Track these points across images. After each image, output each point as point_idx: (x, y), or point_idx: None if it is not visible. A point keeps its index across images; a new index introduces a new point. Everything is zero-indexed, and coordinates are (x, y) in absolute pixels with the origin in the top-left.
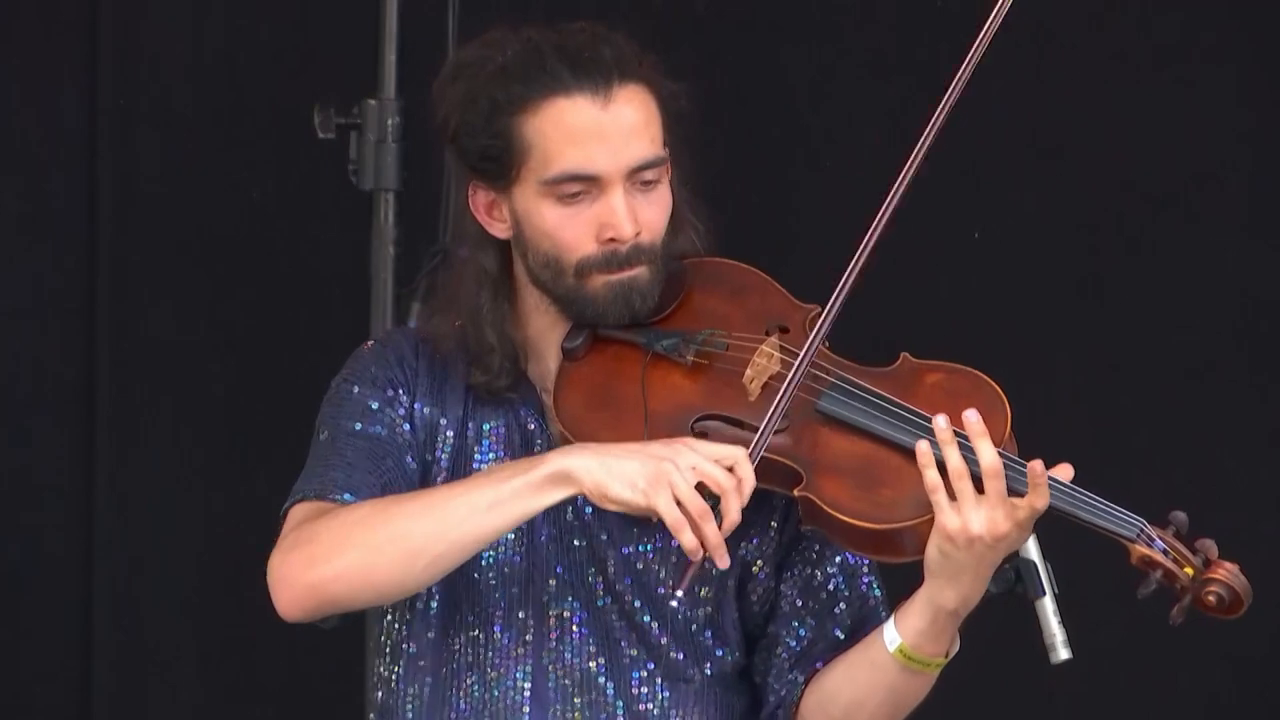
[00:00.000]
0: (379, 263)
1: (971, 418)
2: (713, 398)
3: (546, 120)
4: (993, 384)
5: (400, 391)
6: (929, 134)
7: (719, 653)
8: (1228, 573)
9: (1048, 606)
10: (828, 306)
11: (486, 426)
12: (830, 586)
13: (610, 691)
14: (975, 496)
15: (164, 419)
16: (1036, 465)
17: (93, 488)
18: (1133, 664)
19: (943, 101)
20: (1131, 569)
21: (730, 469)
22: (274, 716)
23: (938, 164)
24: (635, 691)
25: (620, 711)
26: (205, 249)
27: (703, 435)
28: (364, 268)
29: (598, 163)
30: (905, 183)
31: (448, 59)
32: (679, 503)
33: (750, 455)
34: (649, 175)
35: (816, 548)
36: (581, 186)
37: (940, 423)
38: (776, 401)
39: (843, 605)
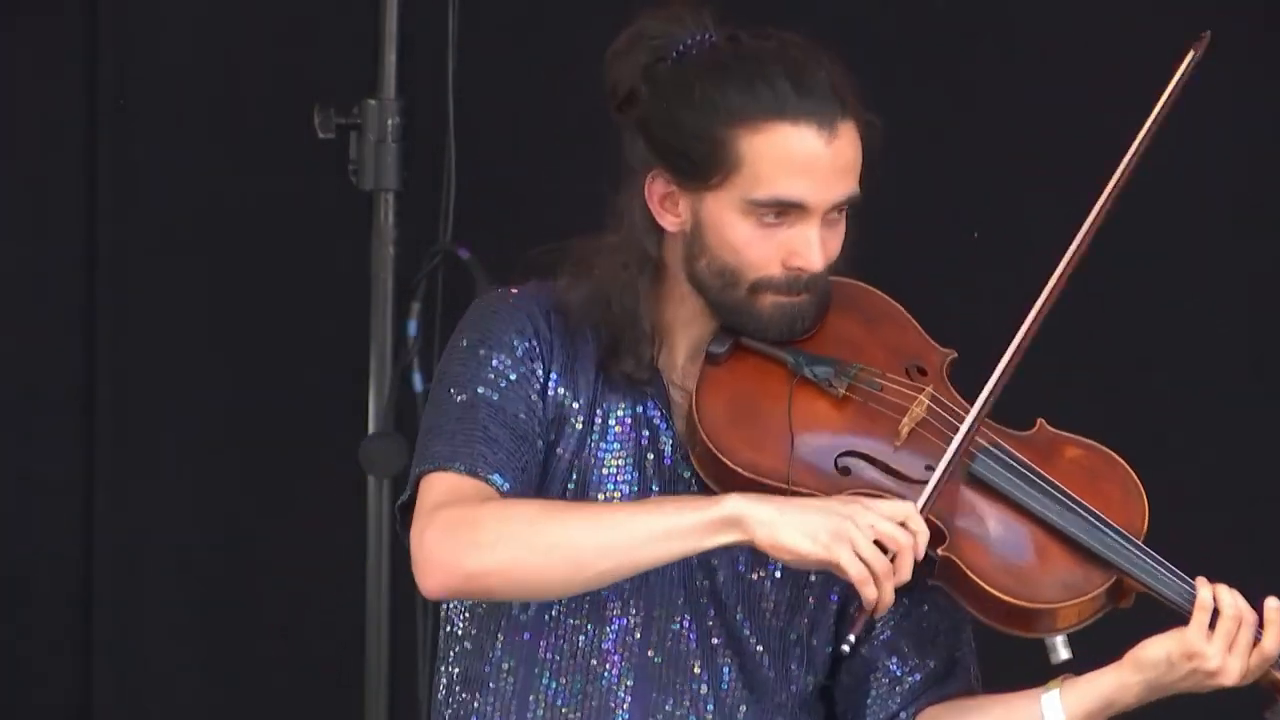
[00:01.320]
0: (379, 263)
1: (1272, 607)
2: (861, 436)
3: (768, 143)
4: (1127, 467)
5: (537, 365)
6: (1103, 206)
7: (806, 674)
8: None
9: None
10: (998, 373)
11: (613, 418)
12: (929, 620)
13: (711, 705)
14: (1232, 640)
15: (164, 419)
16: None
17: (93, 488)
18: None
19: (1120, 170)
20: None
21: (903, 524)
22: (274, 716)
23: (938, 164)
24: (728, 703)
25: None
26: (205, 249)
27: (845, 471)
28: (364, 268)
29: (809, 196)
30: (1074, 259)
31: (627, 27)
32: (861, 558)
33: (921, 511)
34: (840, 210)
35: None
36: (785, 213)
37: (1223, 596)
38: (946, 462)
39: (940, 639)
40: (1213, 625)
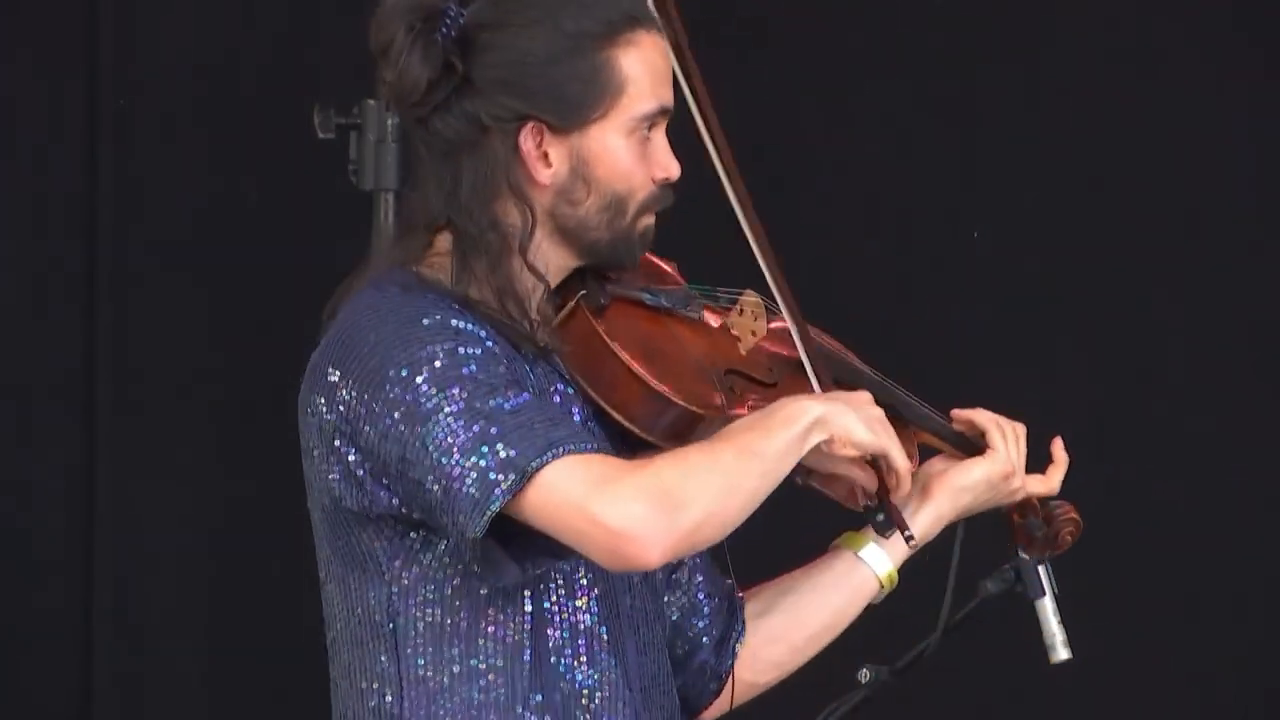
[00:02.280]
0: None
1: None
2: (725, 352)
3: (640, 55)
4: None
5: (503, 358)
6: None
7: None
8: (1071, 511)
9: (1047, 606)
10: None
11: (556, 394)
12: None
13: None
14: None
15: (164, 419)
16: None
17: (93, 487)
18: (1132, 664)
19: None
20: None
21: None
22: (274, 716)
23: (937, 164)
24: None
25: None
26: (205, 249)
27: (730, 390)
28: None
29: (670, 101)
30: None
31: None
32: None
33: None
34: None
35: None
36: (655, 124)
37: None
38: (808, 362)
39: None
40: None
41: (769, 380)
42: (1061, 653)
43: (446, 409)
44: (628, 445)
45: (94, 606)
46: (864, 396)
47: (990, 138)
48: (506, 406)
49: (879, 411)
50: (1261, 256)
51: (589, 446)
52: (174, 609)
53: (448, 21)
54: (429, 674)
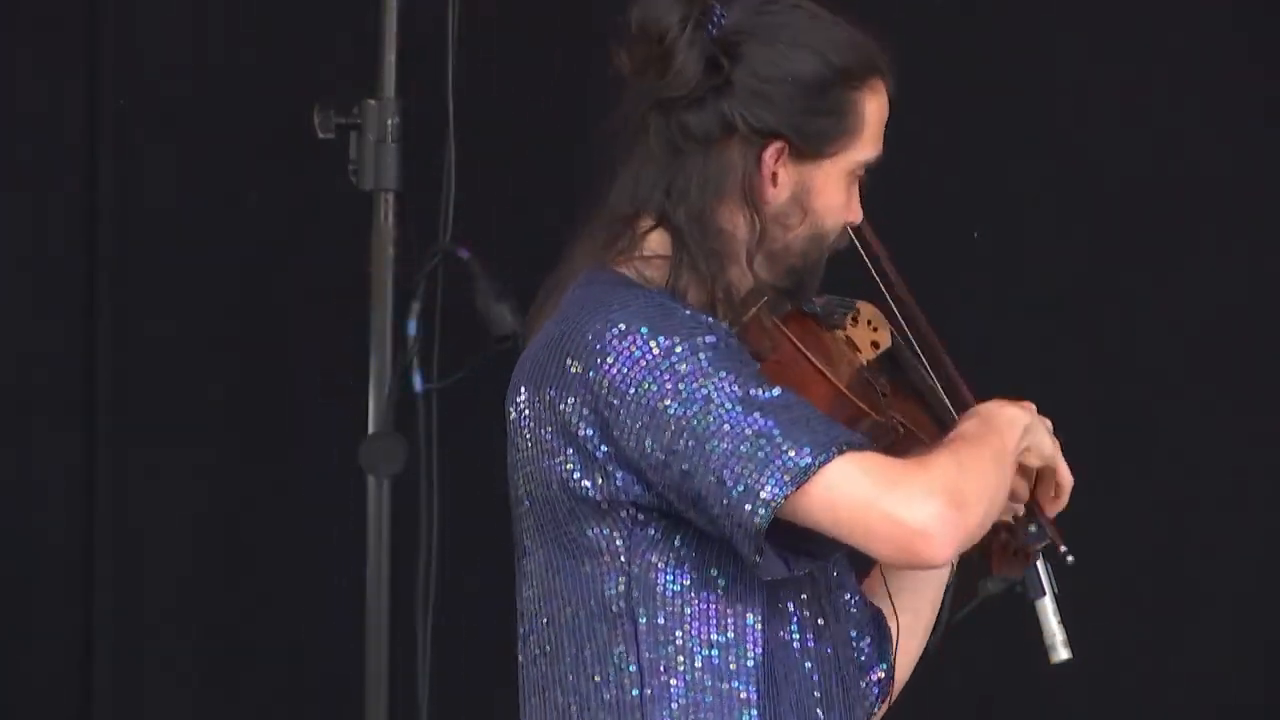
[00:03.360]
0: (379, 263)
1: None
2: (857, 361)
3: (878, 102)
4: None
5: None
6: None
7: None
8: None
9: (1048, 607)
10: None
11: None
12: None
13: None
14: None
15: (164, 419)
16: None
17: (93, 487)
18: (1132, 664)
19: None
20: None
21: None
22: (274, 716)
23: (937, 164)
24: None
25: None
26: (205, 249)
27: (880, 395)
28: (364, 268)
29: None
30: None
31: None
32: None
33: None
34: None
35: None
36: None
37: None
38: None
39: None
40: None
41: (883, 390)
42: (1061, 653)
43: (717, 399)
44: None
45: (94, 606)
46: (1023, 410)
47: (991, 138)
48: (776, 398)
49: (1048, 422)
50: (1263, 257)
51: (864, 443)
52: (174, 609)
53: (714, 19)
54: (670, 663)
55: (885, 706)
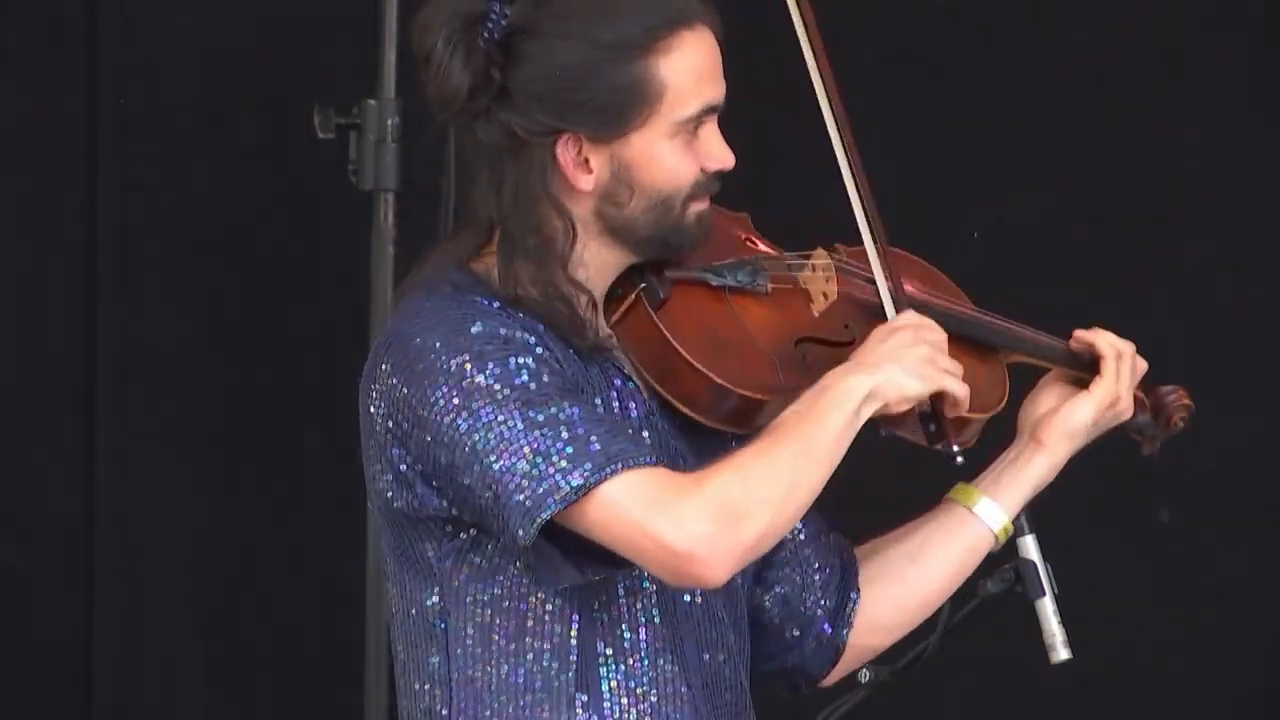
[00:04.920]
0: (379, 263)
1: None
2: (796, 321)
3: (685, 54)
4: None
5: (561, 368)
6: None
7: (752, 592)
8: (1177, 393)
9: (1047, 607)
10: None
11: (614, 389)
12: (819, 529)
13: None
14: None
15: (164, 419)
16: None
17: (93, 488)
18: (1132, 664)
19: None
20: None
21: (934, 329)
22: (274, 716)
23: (937, 165)
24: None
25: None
26: (205, 249)
27: (803, 358)
28: (364, 268)
29: (720, 96)
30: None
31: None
32: (949, 372)
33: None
34: None
35: None
36: (706, 121)
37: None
38: (881, 270)
39: (831, 537)
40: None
41: (844, 339)
42: (1061, 653)
43: (499, 418)
44: (696, 433)
45: (94, 607)
46: (911, 332)
47: (991, 137)
48: (561, 416)
49: (927, 348)
50: (1264, 257)
51: (647, 460)
52: (174, 609)
53: (489, 25)
54: (477, 674)
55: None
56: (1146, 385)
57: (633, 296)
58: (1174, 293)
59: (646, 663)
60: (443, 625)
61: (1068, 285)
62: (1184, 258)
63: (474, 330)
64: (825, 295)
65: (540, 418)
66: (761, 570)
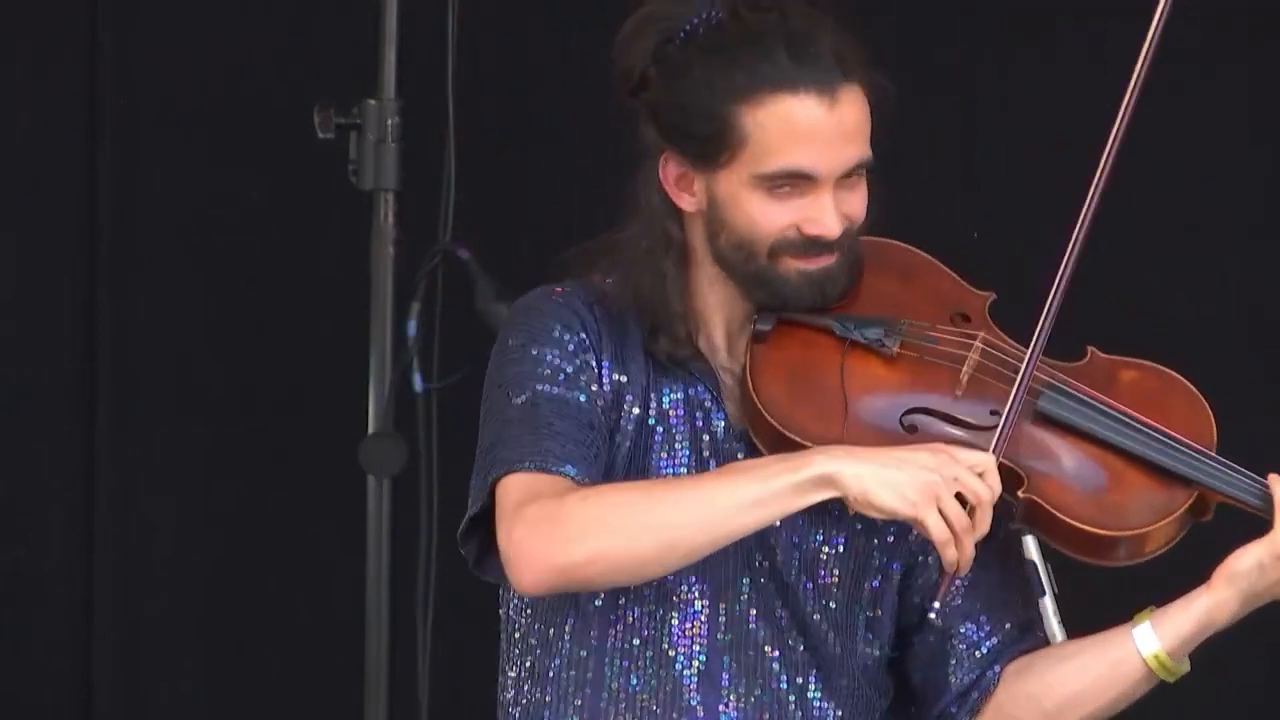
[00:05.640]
0: (379, 263)
1: None
2: (922, 391)
3: (771, 116)
4: (1185, 382)
5: (589, 356)
6: (1117, 135)
7: (872, 647)
8: None
9: (1048, 606)
10: (1046, 309)
11: (667, 400)
12: (1001, 582)
13: (784, 683)
14: None
15: (164, 419)
16: None
17: (93, 487)
18: None
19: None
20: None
21: (981, 475)
22: (274, 716)
23: (937, 165)
24: (799, 681)
25: (791, 701)
26: (205, 249)
27: (912, 429)
28: (364, 268)
29: (818, 165)
30: (1103, 183)
31: (632, 12)
32: (945, 518)
33: (994, 453)
34: (856, 175)
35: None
36: (795, 184)
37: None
38: (1012, 402)
39: (1014, 599)
40: None
41: (978, 423)
42: None
43: (494, 404)
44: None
45: (94, 607)
46: (945, 458)
47: (991, 138)
48: (528, 409)
49: (939, 478)
50: (1264, 257)
51: (546, 466)
52: (174, 609)
53: (679, 34)
54: (521, 671)
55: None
56: None
57: (749, 334)
58: (1175, 292)
59: (645, 682)
60: (509, 622)
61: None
62: (1189, 257)
63: (510, 343)
64: (966, 379)
65: (509, 410)
66: (914, 627)
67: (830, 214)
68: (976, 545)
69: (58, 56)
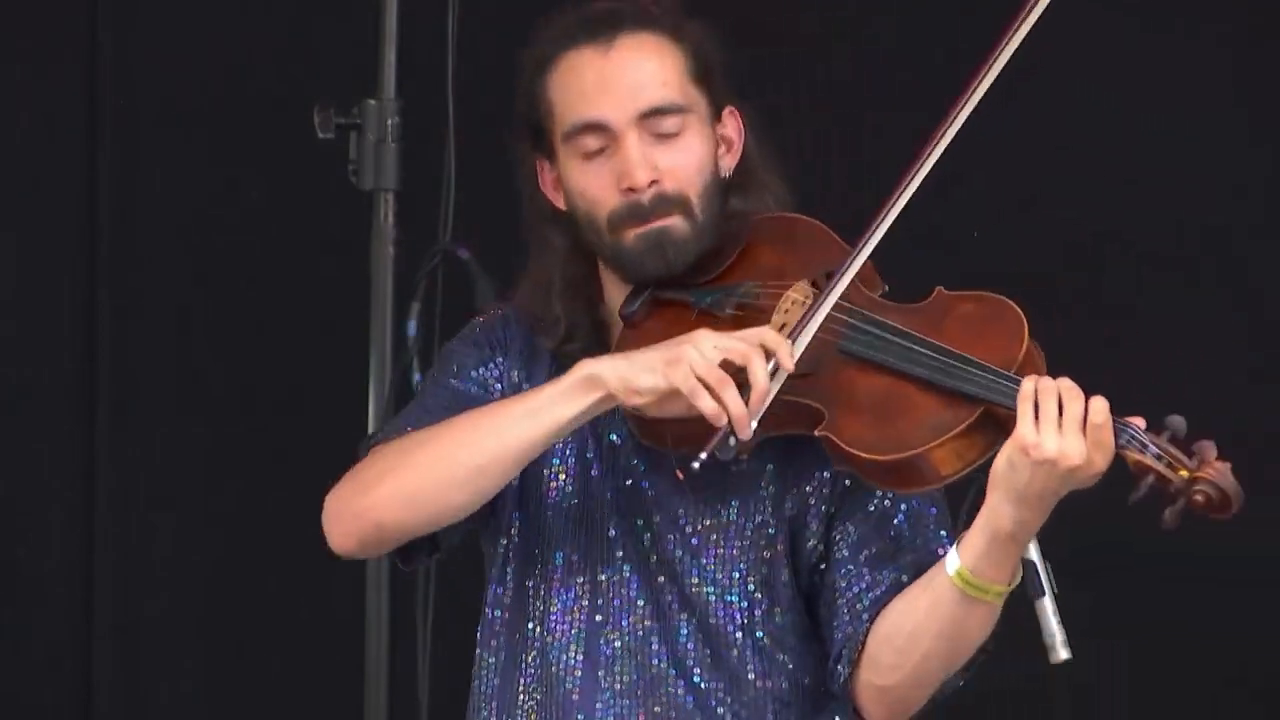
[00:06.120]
0: (379, 263)
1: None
2: None
3: (559, 76)
4: (1017, 310)
5: (497, 354)
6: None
7: (771, 614)
8: (1216, 471)
9: (1047, 606)
10: (859, 246)
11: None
12: (893, 534)
13: (669, 664)
14: (1057, 421)
15: (164, 419)
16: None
17: (93, 487)
18: (1132, 663)
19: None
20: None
21: (760, 343)
22: (274, 716)
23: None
24: (687, 663)
25: (676, 677)
26: (205, 249)
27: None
28: (364, 268)
29: (604, 111)
30: (946, 134)
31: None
32: (698, 377)
33: (790, 337)
34: (668, 125)
35: (880, 496)
36: (598, 140)
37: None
38: (810, 308)
39: (908, 554)
40: (1038, 414)
41: (801, 370)
42: (1061, 653)
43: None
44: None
45: (94, 607)
46: (695, 334)
47: (991, 138)
48: (427, 396)
49: (691, 349)
50: (1264, 257)
51: (395, 433)
52: (174, 609)
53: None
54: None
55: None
56: (1180, 440)
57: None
58: (1177, 292)
59: (556, 659)
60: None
61: (1070, 286)
62: (1189, 257)
63: (473, 329)
64: (785, 325)
65: (424, 386)
66: (816, 594)
67: (632, 161)
68: (856, 501)
69: (58, 56)
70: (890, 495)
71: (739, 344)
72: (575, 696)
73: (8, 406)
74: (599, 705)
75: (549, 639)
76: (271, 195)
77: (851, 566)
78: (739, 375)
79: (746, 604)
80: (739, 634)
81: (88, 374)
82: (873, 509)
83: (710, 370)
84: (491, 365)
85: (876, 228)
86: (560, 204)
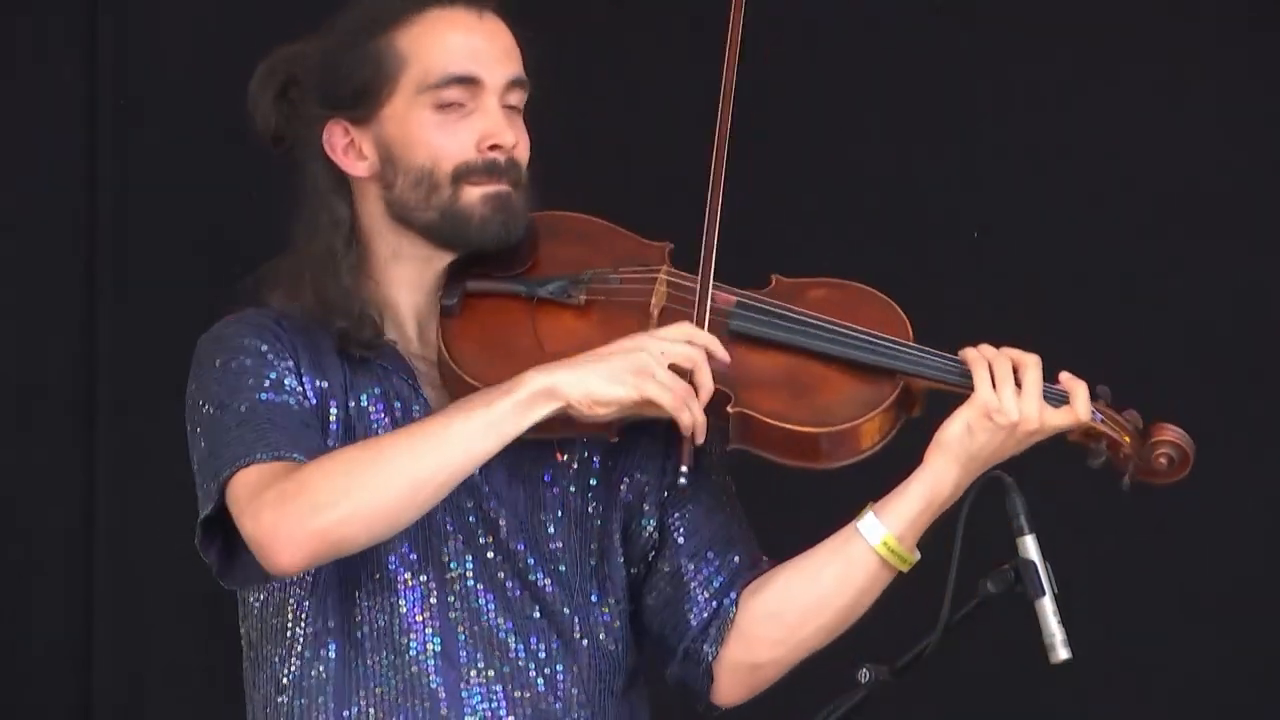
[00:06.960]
0: None
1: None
2: (617, 332)
3: (427, 29)
4: (875, 291)
5: (287, 361)
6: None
7: (606, 602)
8: (1172, 433)
9: (1047, 606)
10: (707, 225)
11: (365, 398)
12: (725, 523)
13: (521, 652)
14: (1014, 385)
15: (164, 419)
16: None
17: (93, 488)
18: (1131, 663)
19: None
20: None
21: (688, 341)
22: None
23: (937, 165)
24: (535, 647)
25: (530, 668)
26: (205, 249)
27: None
28: None
29: (479, 68)
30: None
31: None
32: (666, 387)
33: (697, 323)
34: (515, 99)
35: (715, 479)
36: (462, 93)
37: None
38: (701, 275)
39: (737, 536)
40: (995, 380)
41: None
42: (1061, 653)
43: (203, 408)
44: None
45: (94, 607)
46: (646, 339)
47: (990, 138)
48: (242, 412)
49: (648, 356)
50: (1264, 257)
51: (278, 454)
52: (174, 609)
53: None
54: (274, 685)
55: (725, 689)
56: (1113, 407)
57: (439, 314)
58: (1174, 292)
59: (391, 660)
60: None
61: (1070, 285)
62: (1189, 257)
63: (236, 327)
64: (657, 312)
65: (221, 414)
66: (642, 579)
67: (502, 122)
68: (699, 484)
69: (58, 56)
70: (718, 476)
71: (685, 349)
72: (436, 689)
73: (8, 406)
74: (464, 694)
75: (401, 638)
76: (271, 195)
77: (692, 549)
78: (685, 378)
79: (582, 589)
80: (584, 623)
81: (88, 374)
82: (704, 494)
83: (678, 383)
84: (290, 374)
85: (715, 207)
86: (358, 170)
